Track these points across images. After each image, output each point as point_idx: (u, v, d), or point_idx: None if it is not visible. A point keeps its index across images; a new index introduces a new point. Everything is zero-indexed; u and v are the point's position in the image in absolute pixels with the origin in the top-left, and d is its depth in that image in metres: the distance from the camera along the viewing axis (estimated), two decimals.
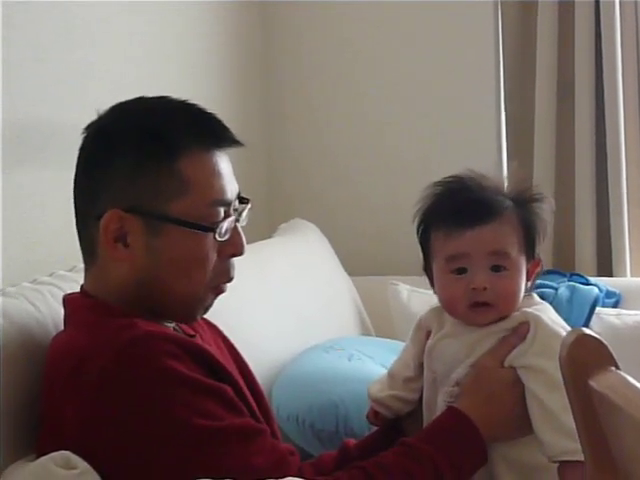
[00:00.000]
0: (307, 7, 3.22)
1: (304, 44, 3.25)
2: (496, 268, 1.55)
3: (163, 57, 2.69)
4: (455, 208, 1.57)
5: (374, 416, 1.68)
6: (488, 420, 1.51)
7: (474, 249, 1.54)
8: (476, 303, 1.54)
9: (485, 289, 1.53)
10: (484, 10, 3.02)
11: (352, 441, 1.73)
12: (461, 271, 1.55)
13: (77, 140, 1.56)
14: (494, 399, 1.52)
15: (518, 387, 1.52)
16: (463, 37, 3.07)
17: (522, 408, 1.51)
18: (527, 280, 1.59)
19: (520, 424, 1.51)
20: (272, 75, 3.25)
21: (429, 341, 1.61)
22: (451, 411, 1.53)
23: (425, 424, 1.60)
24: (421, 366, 1.63)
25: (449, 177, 1.63)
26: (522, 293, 1.57)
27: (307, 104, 3.26)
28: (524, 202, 1.59)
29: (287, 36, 3.25)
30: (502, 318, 1.56)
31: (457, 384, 1.55)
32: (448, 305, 1.59)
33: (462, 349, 1.56)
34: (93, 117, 1.57)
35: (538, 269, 1.61)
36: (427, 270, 1.63)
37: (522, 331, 1.53)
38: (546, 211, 1.62)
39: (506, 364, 1.53)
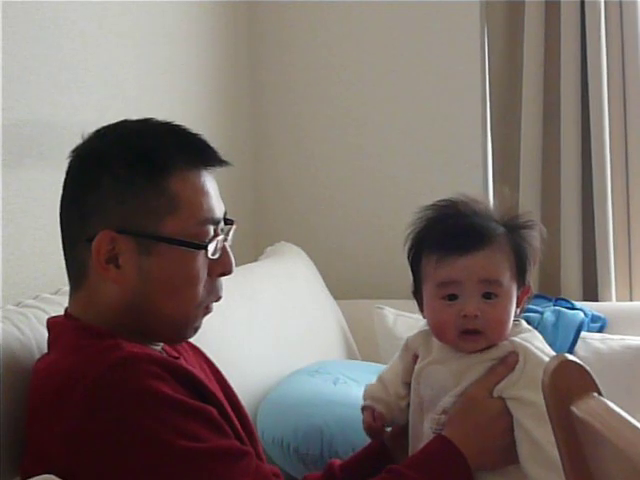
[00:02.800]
0: (294, 26, 3.23)
1: (291, 67, 3.25)
2: (487, 295, 1.54)
3: (156, 67, 2.73)
4: (448, 233, 1.56)
5: (371, 417, 1.64)
6: (476, 449, 1.51)
7: (466, 276, 1.53)
8: (466, 330, 1.54)
9: (476, 317, 1.53)
10: (470, 21, 3.04)
11: (337, 462, 1.72)
12: (452, 297, 1.55)
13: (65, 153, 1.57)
14: (482, 429, 1.52)
15: (506, 418, 1.52)
16: (449, 53, 3.09)
17: (510, 438, 1.51)
18: (517, 307, 1.58)
19: (507, 454, 1.52)
20: (259, 99, 3.26)
21: (417, 365, 1.61)
22: (439, 439, 1.52)
23: (410, 446, 1.60)
24: (408, 385, 1.63)
25: (441, 200, 1.62)
26: (512, 320, 1.57)
27: (294, 127, 3.26)
28: (516, 229, 1.59)
29: (275, 58, 3.26)
30: (490, 346, 1.55)
31: (444, 412, 1.55)
32: (437, 331, 1.58)
33: (450, 377, 1.56)
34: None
35: (528, 296, 1.61)
36: (416, 294, 1.62)
37: (511, 361, 1.52)
38: (537, 238, 1.61)
39: (495, 394, 1.53)
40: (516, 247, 1.57)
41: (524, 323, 1.62)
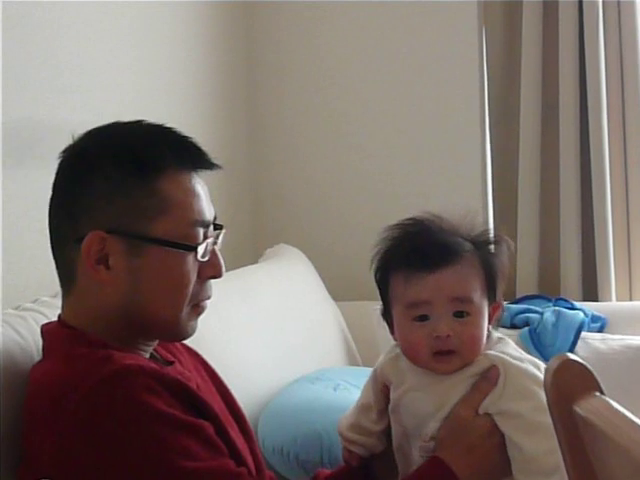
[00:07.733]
0: (292, 28, 3.23)
1: (288, 71, 3.25)
2: (459, 314, 1.49)
3: (154, 68, 2.74)
4: (415, 250, 1.51)
5: (349, 455, 1.61)
6: (469, 470, 1.47)
7: (436, 296, 1.48)
8: (440, 351, 1.49)
9: (449, 337, 1.48)
10: (468, 22, 3.04)
11: (325, 472, 1.70)
12: (423, 318, 1.49)
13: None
14: (474, 449, 1.48)
15: (496, 434, 1.48)
16: (448, 54, 3.09)
17: (502, 455, 1.48)
18: (488, 324, 1.53)
19: (501, 471, 1.48)
20: (257, 101, 3.26)
21: (392, 395, 1.55)
22: (433, 461, 1.49)
23: (400, 471, 1.56)
24: (382, 412, 1.58)
25: (406, 219, 1.58)
26: (485, 337, 1.52)
27: (292, 129, 3.26)
28: (483, 244, 1.55)
29: (272, 63, 3.26)
30: (466, 364, 1.50)
31: (432, 439, 1.50)
32: (410, 353, 1.52)
33: (431, 402, 1.51)
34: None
35: (498, 312, 1.56)
36: (386, 315, 1.57)
37: (493, 376, 1.48)
38: (505, 253, 1.56)
39: (481, 412, 1.48)
40: (485, 263, 1.53)
41: (493, 333, 1.56)
